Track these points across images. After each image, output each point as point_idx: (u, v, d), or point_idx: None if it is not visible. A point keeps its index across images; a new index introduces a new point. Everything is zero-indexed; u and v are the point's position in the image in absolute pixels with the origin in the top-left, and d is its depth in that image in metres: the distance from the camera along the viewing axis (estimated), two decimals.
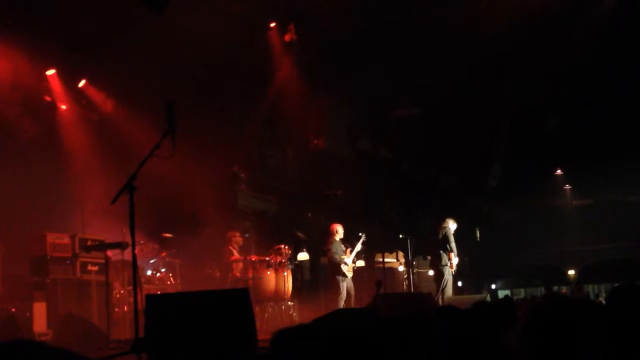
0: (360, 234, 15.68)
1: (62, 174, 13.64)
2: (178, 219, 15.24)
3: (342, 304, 14.56)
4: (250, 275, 14.16)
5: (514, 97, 23.91)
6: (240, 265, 14.54)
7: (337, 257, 14.83)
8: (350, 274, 14.91)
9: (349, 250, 15.15)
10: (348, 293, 14.83)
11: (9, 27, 12.19)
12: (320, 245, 19.20)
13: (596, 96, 23.49)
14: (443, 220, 15.77)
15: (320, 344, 3.26)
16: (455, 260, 15.37)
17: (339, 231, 15.14)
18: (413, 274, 17.89)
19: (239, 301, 7.08)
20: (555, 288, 33.48)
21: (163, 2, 13.02)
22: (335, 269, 14.84)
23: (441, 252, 15.40)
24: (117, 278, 12.16)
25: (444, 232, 15.51)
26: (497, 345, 3.44)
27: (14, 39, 12.31)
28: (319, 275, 19.93)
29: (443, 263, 15.32)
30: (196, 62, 15.81)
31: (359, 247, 15.39)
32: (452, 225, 15.67)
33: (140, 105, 14.40)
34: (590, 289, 34.23)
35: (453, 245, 15.36)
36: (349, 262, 14.98)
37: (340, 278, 14.75)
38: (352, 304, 14.75)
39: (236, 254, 14.58)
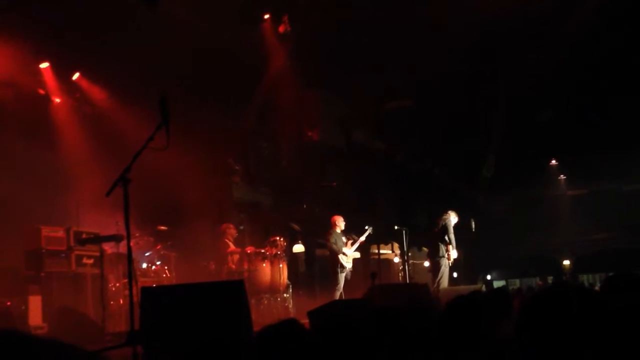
0: (366, 227, 15.75)
1: (56, 167, 13.61)
2: (173, 211, 15.23)
3: (338, 296, 14.62)
4: (246, 267, 14.17)
5: (508, 87, 23.88)
6: (236, 257, 14.55)
7: (335, 247, 14.93)
8: (349, 265, 15.00)
9: (350, 242, 15.24)
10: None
11: (2, 20, 12.15)
12: (315, 236, 19.25)
13: (590, 86, 23.48)
14: (444, 212, 15.81)
15: (310, 339, 3.26)
16: (454, 252, 15.39)
17: (340, 223, 15.25)
18: (408, 265, 17.93)
19: (234, 293, 7.10)
20: (550, 278, 33.55)
21: None
22: (334, 260, 14.94)
23: (439, 243, 15.45)
24: (112, 271, 12.15)
25: (443, 224, 15.54)
26: (492, 335, 3.44)
27: (7, 32, 12.27)
28: (315, 267, 19.94)
29: (440, 254, 15.37)
30: (190, 54, 15.78)
31: (362, 239, 15.51)
32: (453, 218, 15.71)
33: (134, 98, 14.38)
34: (585, 279, 34.28)
35: (452, 237, 15.40)
36: (349, 253, 15.06)
37: (338, 269, 14.85)
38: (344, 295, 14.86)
39: (232, 246, 14.60)
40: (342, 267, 14.90)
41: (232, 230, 14.88)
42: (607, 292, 4.36)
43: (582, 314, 2.46)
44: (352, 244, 15.30)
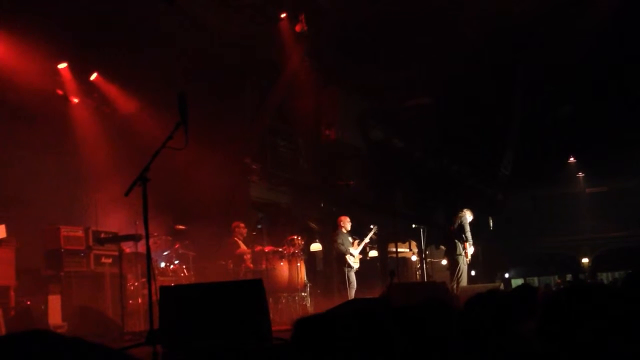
0: (371, 227, 15.82)
1: (74, 167, 13.67)
2: (190, 210, 15.25)
3: (352, 294, 14.66)
4: (264, 266, 14.18)
5: (527, 84, 23.79)
6: (249, 256, 14.55)
7: (342, 248, 15.02)
8: (356, 265, 15.07)
9: (356, 242, 15.28)
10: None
11: (21, 20, 12.21)
12: (332, 235, 19.27)
13: (609, 83, 23.35)
14: (460, 210, 15.82)
15: (342, 332, 3.24)
16: (470, 249, 15.40)
17: (346, 224, 15.32)
18: (426, 263, 17.90)
19: (253, 292, 7.08)
20: (569, 276, 33.42)
21: None
22: (341, 260, 15.01)
23: (456, 241, 15.46)
24: (131, 270, 12.18)
25: (459, 222, 15.56)
26: (514, 333, 3.42)
27: (25, 32, 12.32)
28: (332, 266, 19.95)
29: (458, 252, 15.39)
30: (207, 54, 15.81)
31: (367, 239, 15.56)
32: (468, 216, 15.71)
33: (152, 97, 14.42)
34: (604, 276, 34.11)
35: (469, 234, 15.41)
36: (356, 253, 15.11)
37: (346, 269, 14.91)
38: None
39: (242, 246, 14.56)
40: (350, 266, 14.98)
41: (241, 229, 14.82)
42: (628, 289, 4.32)
43: (603, 312, 2.44)
44: (359, 244, 15.36)
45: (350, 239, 15.31)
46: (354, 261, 15.04)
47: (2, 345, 1.72)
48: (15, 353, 1.70)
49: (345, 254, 14.97)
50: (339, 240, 15.16)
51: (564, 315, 2.49)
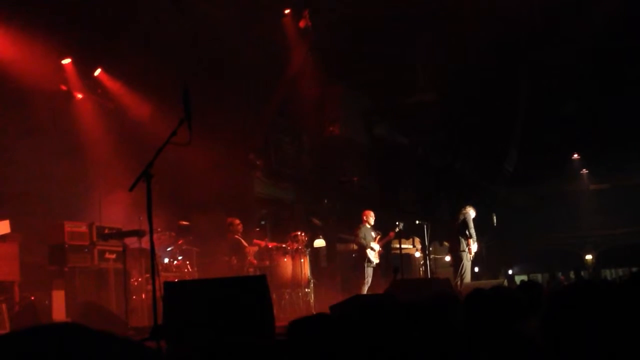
0: (397, 223, 15.76)
1: (79, 163, 13.68)
2: (194, 206, 15.26)
3: (365, 290, 14.65)
4: (267, 262, 14.18)
5: (531, 81, 23.74)
6: (251, 252, 14.54)
7: (363, 241, 14.98)
8: (376, 260, 15.04)
9: (379, 237, 15.26)
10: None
11: (25, 16, 12.21)
12: (336, 231, 19.23)
13: (613, 80, 23.30)
14: (462, 207, 15.80)
15: (338, 331, 3.25)
16: (474, 246, 15.37)
17: (370, 218, 15.28)
18: (430, 259, 17.88)
19: (257, 288, 7.10)
20: (572, 273, 33.37)
21: None
22: (361, 253, 14.97)
23: (460, 237, 15.43)
24: (135, 266, 12.18)
25: (463, 218, 15.53)
26: (517, 330, 3.41)
27: (29, 28, 12.32)
28: (336, 262, 19.95)
29: (462, 249, 15.35)
30: (211, 49, 15.80)
31: (392, 235, 15.56)
32: (471, 212, 15.68)
33: (156, 93, 14.42)
34: (607, 273, 34.08)
35: (472, 231, 15.38)
36: (377, 248, 15.08)
37: (366, 264, 14.88)
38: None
39: (245, 244, 14.53)
40: (370, 261, 14.95)
41: (237, 226, 14.60)
42: (632, 287, 4.32)
43: (607, 310, 2.44)
44: (381, 240, 15.33)
45: (373, 233, 15.29)
46: (374, 256, 15.03)
47: (32, 337, 1.70)
48: (48, 346, 1.68)
49: (366, 248, 14.95)
50: (361, 234, 15.12)
51: (567, 313, 2.49)
